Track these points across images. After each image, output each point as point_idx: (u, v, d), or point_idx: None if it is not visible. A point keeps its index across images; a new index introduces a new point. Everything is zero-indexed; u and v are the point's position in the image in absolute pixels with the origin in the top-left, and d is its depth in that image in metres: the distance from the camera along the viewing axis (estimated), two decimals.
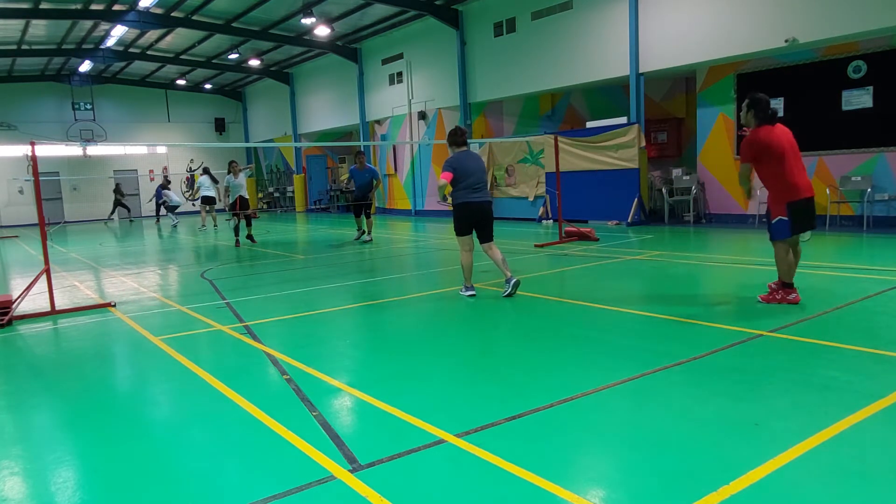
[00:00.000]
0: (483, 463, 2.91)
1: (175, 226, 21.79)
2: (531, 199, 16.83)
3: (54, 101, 28.57)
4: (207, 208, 19.77)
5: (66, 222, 27.75)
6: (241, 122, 33.01)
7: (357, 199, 13.60)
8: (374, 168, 14.32)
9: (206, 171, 20.47)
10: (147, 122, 30.62)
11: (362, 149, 19.47)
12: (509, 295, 6.61)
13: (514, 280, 6.64)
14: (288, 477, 2.86)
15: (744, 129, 5.95)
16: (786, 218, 5.60)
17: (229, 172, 13.78)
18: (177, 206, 23.19)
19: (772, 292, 5.80)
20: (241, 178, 13.72)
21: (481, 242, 6.87)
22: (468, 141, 6.99)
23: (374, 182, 13.38)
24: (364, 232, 13.65)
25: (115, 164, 29.94)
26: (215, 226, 20.11)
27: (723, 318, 5.42)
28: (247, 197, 13.90)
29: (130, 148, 30.28)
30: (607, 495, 2.61)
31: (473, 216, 6.74)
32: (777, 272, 5.79)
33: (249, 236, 14.29)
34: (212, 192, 19.59)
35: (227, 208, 14.43)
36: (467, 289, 6.90)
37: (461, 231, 6.83)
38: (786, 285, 5.72)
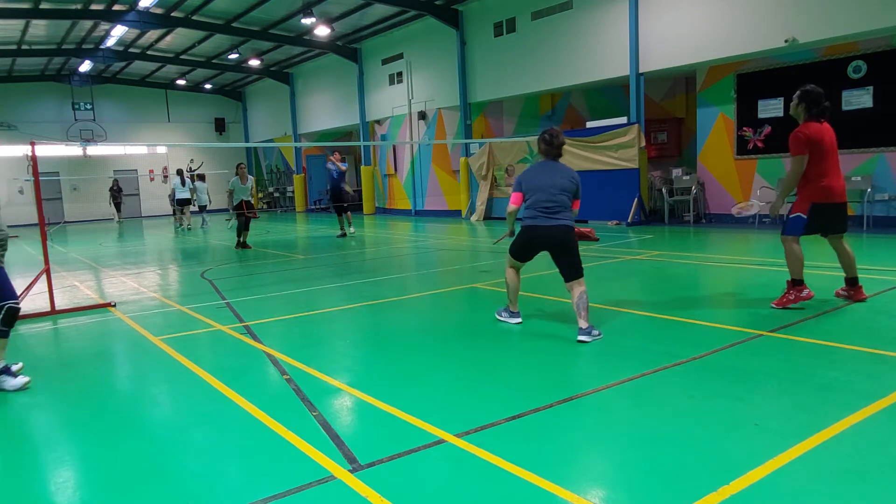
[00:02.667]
0: (483, 463, 2.91)
1: (187, 228, 21.55)
2: None
3: (54, 101, 28.59)
4: (183, 209, 20.13)
5: (65, 222, 27.74)
6: (241, 122, 33.02)
7: (333, 199, 14.11)
8: (330, 164, 14.33)
9: (178, 173, 20.62)
10: (147, 122, 30.63)
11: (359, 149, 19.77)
12: (581, 341, 4.86)
13: (587, 328, 4.89)
14: (288, 477, 2.86)
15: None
16: (804, 217, 5.41)
17: (236, 174, 13.65)
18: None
19: (784, 295, 5.55)
20: (248, 184, 13.74)
21: (565, 281, 5.12)
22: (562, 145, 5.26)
23: (336, 177, 13.93)
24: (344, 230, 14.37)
25: (115, 164, 29.96)
26: (181, 225, 20.39)
27: (722, 318, 5.42)
28: (252, 203, 13.96)
29: (130, 148, 30.28)
30: (607, 495, 2.61)
31: (536, 242, 5.21)
32: (788, 270, 5.57)
33: (245, 243, 14.15)
34: (186, 195, 20.01)
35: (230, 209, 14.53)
36: (510, 314, 5.55)
37: (515, 255, 5.42)
38: (797, 283, 5.49)
